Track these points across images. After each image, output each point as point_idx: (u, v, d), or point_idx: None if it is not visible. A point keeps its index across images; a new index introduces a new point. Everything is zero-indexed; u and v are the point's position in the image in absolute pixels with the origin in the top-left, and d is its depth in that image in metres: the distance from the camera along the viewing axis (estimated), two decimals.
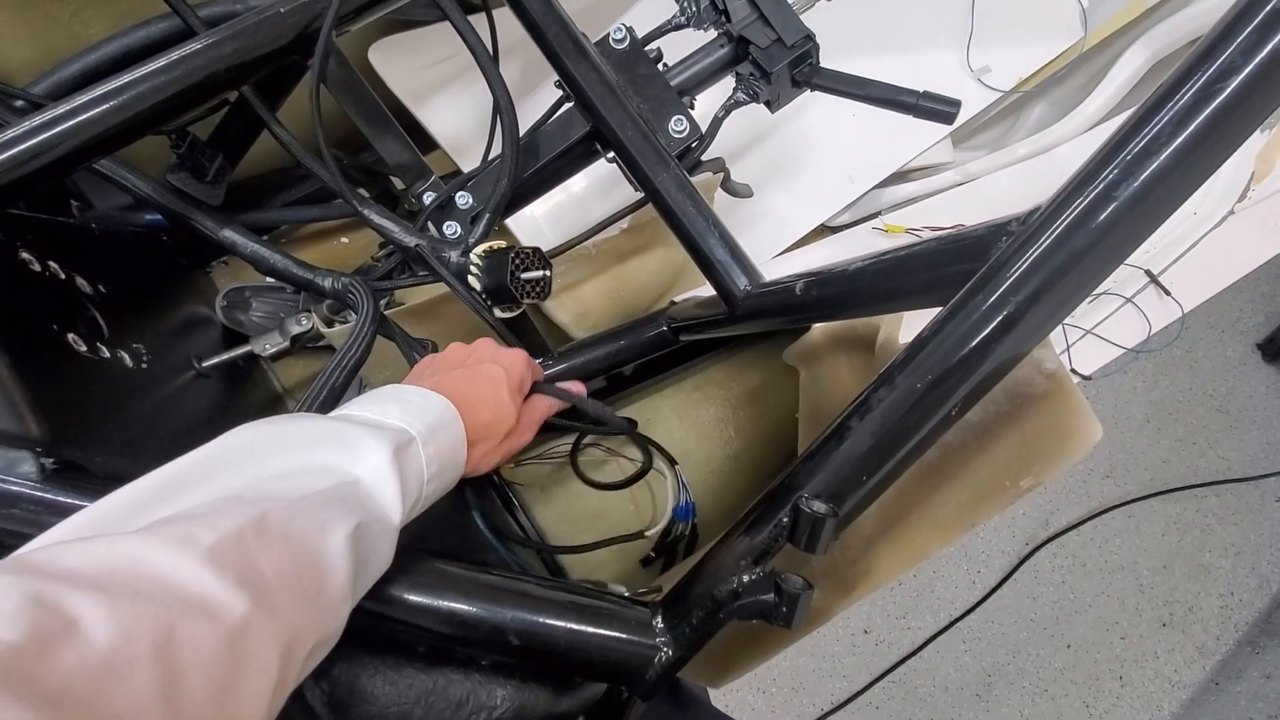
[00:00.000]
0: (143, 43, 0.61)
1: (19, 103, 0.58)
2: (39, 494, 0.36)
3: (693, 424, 0.93)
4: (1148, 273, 0.83)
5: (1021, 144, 0.97)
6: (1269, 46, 0.26)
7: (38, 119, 0.47)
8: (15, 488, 0.36)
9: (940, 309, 0.32)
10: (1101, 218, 0.27)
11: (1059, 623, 1.49)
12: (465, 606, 0.35)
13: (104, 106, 0.49)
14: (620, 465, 0.86)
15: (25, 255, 0.51)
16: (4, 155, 0.45)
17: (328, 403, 0.45)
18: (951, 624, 1.46)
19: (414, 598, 0.35)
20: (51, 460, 0.37)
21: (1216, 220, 0.84)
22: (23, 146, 0.45)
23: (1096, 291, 0.84)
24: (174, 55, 0.51)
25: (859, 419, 0.32)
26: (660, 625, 0.36)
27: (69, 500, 0.36)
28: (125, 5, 0.62)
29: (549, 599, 0.36)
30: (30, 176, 0.47)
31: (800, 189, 0.96)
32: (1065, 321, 0.83)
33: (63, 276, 0.54)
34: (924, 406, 0.30)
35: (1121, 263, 0.28)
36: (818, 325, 0.64)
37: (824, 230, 1.02)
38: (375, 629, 0.36)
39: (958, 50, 0.95)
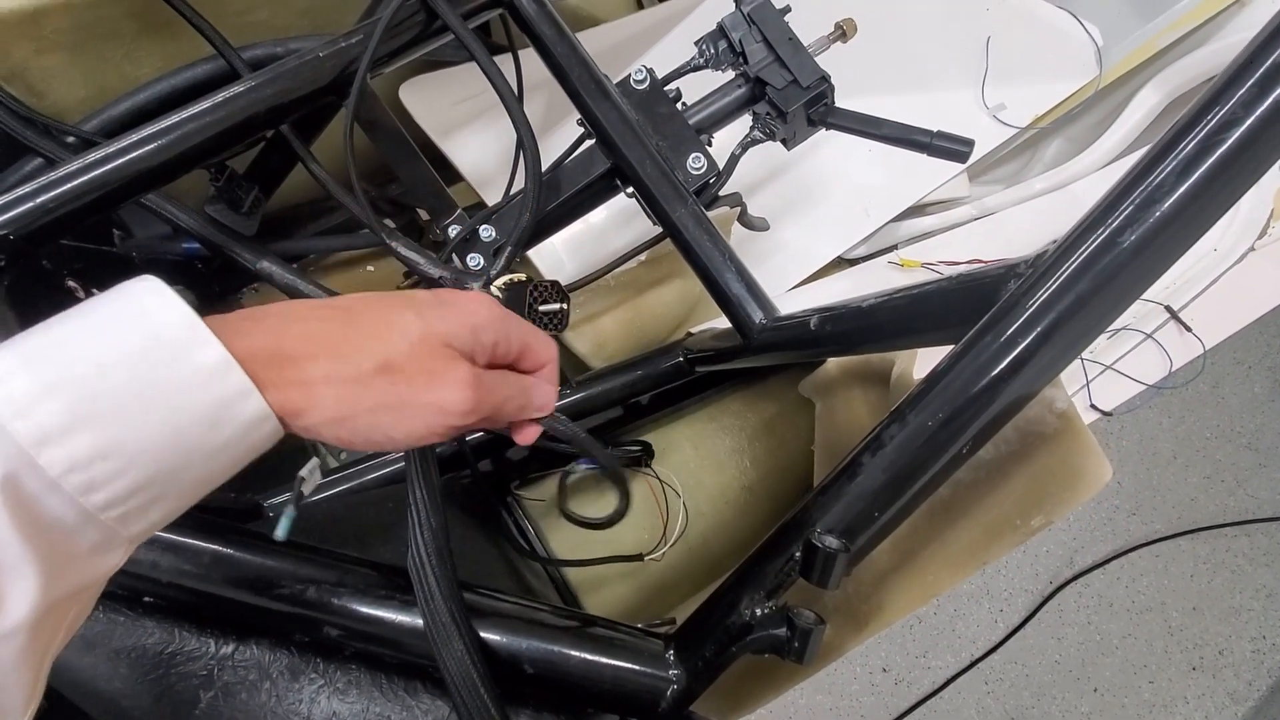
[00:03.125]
0: (189, 83, 0.65)
1: (71, 139, 0.62)
2: None
3: (708, 454, 0.93)
4: (1168, 309, 0.82)
5: (1038, 179, 0.98)
6: (1269, 100, 0.26)
7: (90, 157, 0.50)
8: None
9: (952, 347, 0.32)
10: (1106, 262, 0.28)
11: (1085, 665, 1.45)
12: (484, 634, 0.36)
13: (153, 145, 0.52)
14: (640, 489, 0.86)
15: (71, 283, 0.54)
16: (59, 190, 0.48)
17: None
18: (973, 664, 1.43)
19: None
20: None
21: (1237, 257, 0.83)
22: (77, 182, 0.48)
23: (1116, 327, 0.84)
24: (219, 97, 0.54)
25: (871, 455, 0.32)
26: (672, 657, 0.36)
27: None
28: (174, 47, 0.65)
29: (563, 628, 0.37)
30: (82, 210, 0.49)
31: (817, 222, 0.98)
32: (1085, 357, 0.83)
33: None
34: (935, 444, 0.31)
35: (1128, 307, 0.29)
36: (833, 359, 0.65)
37: (841, 263, 1.03)
38: (396, 654, 0.36)
39: (973, 88, 0.97)
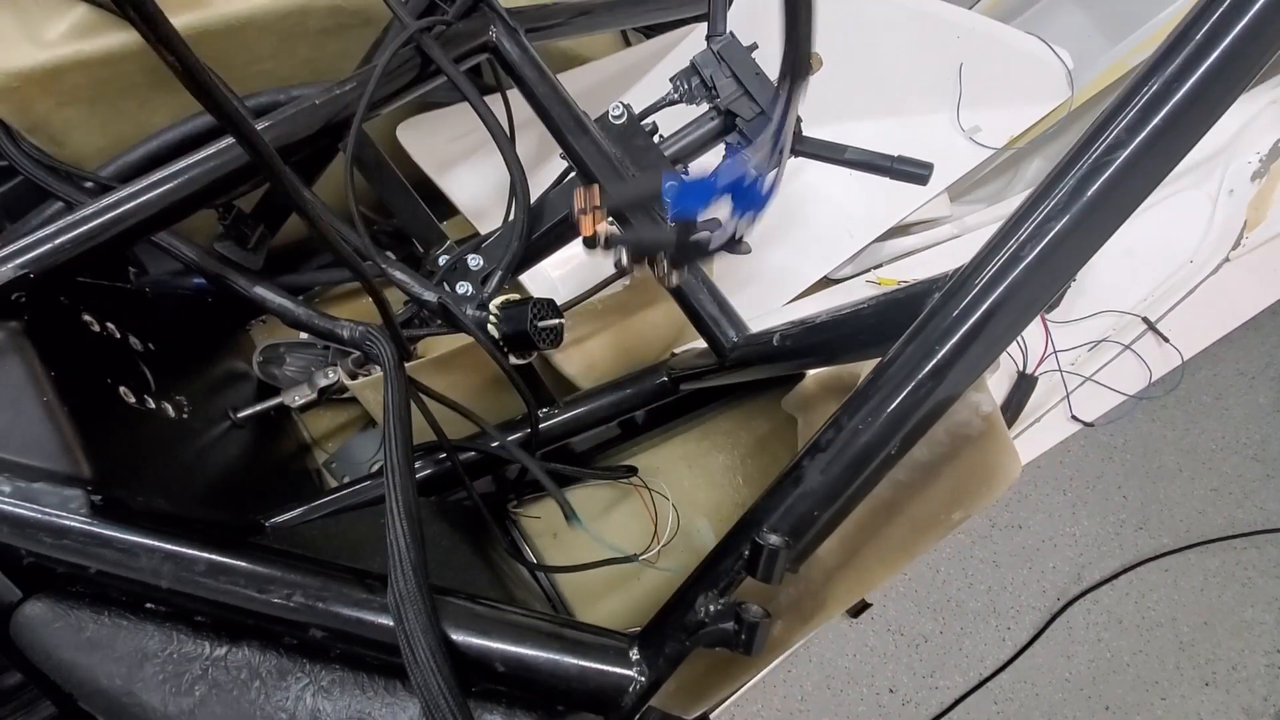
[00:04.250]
0: (198, 130, 0.69)
1: (89, 184, 0.66)
2: (87, 527, 0.41)
3: (702, 472, 0.95)
4: (1145, 320, 0.84)
5: (1017, 198, 1.01)
6: (1150, 125, 0.29)
7: (106, 200, 0.54)
8: (68, 521, 0.40)
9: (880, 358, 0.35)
10: (1012, 277, 0.30)
11: (1096, 683, 1.43)
12: (457, 635, 0.38)
13: (162, 189, 0.56)
14: (631, 504, 0.88)
15: (87, 317, 0.58)
16: (77, 231, 0.52)
17: (403, 458, 0.45)
18: (981, 683, 1.42)
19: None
20: (100, 497, 0.41)
21: (1212, 268, 0.85)
22: (93, 224, 0.52)
23: (1094, 338, 0.85)
24: (222, 144, 0.58)
25: (810, 458, 0.35)
26: (636, 655, 0.38)
27: (113, 533, 0.40)
28: (185, 98, 0.70)
29: (533, 628, 0.39)
30: (98, 249, 0.53)
31: (802, 244, 1.01)
32: (1065, 369, 0.85)
33: (118, 336, 0.61)
34: (867, 446, 0.33)
35: (1034, 316, 0.31)
36: (811, 374, 0.67)
37: (828, 282, 1.05)
38: (377, 655, 0.39)
39: (949, 111, 1.00)
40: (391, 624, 0.38)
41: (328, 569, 0.40)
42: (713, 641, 0.35)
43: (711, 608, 0.36)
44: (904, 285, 0.36)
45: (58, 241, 0.50)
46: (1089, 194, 0.30)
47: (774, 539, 0.33)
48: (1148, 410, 1.64)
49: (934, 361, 0.32)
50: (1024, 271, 0.31)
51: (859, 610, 1.39)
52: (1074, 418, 0.81)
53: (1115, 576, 1.49)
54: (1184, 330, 0.84)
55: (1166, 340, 0.83)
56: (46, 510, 0.39)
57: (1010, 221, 0.32)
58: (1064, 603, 1.47)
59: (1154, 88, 0.29)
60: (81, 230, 0.52)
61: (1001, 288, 0.31)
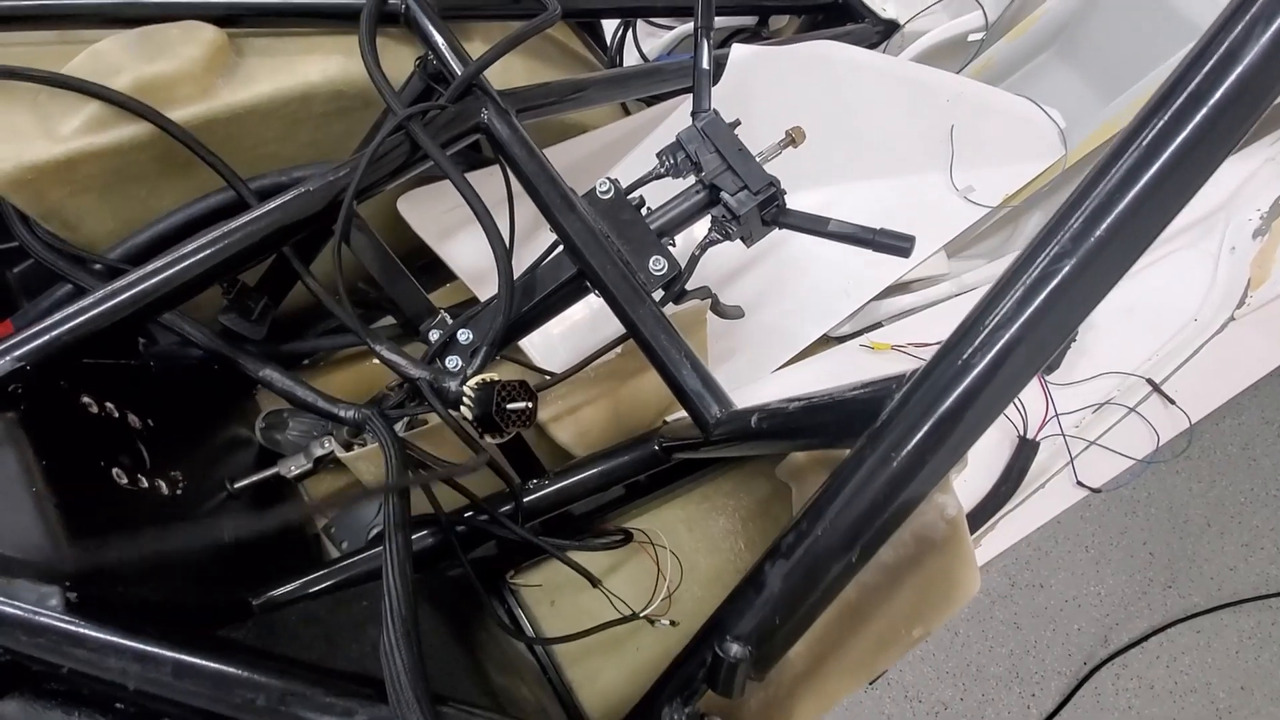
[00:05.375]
0: (204, 212, 0.72)
1: (97, 266, 0.69)
2: (61, 625, 0.41)
3: (703, 536, 0.94)
4: (1149, 381, 0.82)
5: (1015, 255, 1.00)
6: (1095, 235, 0.29)
7: (117, 284, 0.56)
8: (44, 619, 0.41)
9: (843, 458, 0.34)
10: (963, 386, 0.30)
11: None
12: None
13: (172, 270, 0.58)
14: (631, 566, 0.87)
15: (86, 399, 0.59)
16: (77, 321, 0.54)
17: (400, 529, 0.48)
18: None
19: None
20: (76, 595, 0.42)
21: (1217, 327, 0.84)
22: (94, 312, 0.54)
23: (1098, 401, 0.84)
24: (226, 228, 0.60)
25: (771, 564, 0.34)
26: None
27: (85, 631, 0.41)
28: (193, 181, 0.73)
29: None
30: (101, 334, 0.55)
31: (798, 305, 1.01)
32: (1068, 434, 0.83)
33: (116, 415, 0.62)
34: (827, 553, 0.33)
35: (988, 424, 0.31)
36: None
37: (828, 341, 1.05)
38: None
39: (943, 171, 1.01)
40: None
41: (299, 672, 0.40)
42: None
43: (675, 718, 0.35)
44: (867, 383, 0.36)
45: (57, 332, 0.52)
46: (1035, 304, 0.30)
47: (735, 649, 0.33)
48: (1170, 462, 1.59)
49: (892, 467, 0.32)
50: (976, 380, 0.30)
51: (874, 676, 1.33)
52: (1080, 484, 0.79)
53: (1145, 639, 1.42)
54: (1191, 392, 0.82)
55: (1173, 402, 0.81)
56: (23, 607, 0.40)
57: (963, 327, 0.32)
58: (1091, 667, 1.40)
59: (1097, 199, 0.29)
60: (81, 320, 0.54)
61: (954, 397, 0.31)
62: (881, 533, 0.32)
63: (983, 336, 0.30)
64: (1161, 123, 0.28)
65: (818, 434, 0.41)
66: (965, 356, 0.31)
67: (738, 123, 0.69)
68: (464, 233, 0.94)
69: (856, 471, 0.33)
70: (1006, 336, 0.30)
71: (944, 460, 0.31)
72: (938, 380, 0.31)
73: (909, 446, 0.31)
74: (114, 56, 0.66)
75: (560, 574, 0.87)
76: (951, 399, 0.31)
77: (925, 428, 0.31)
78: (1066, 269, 0.29)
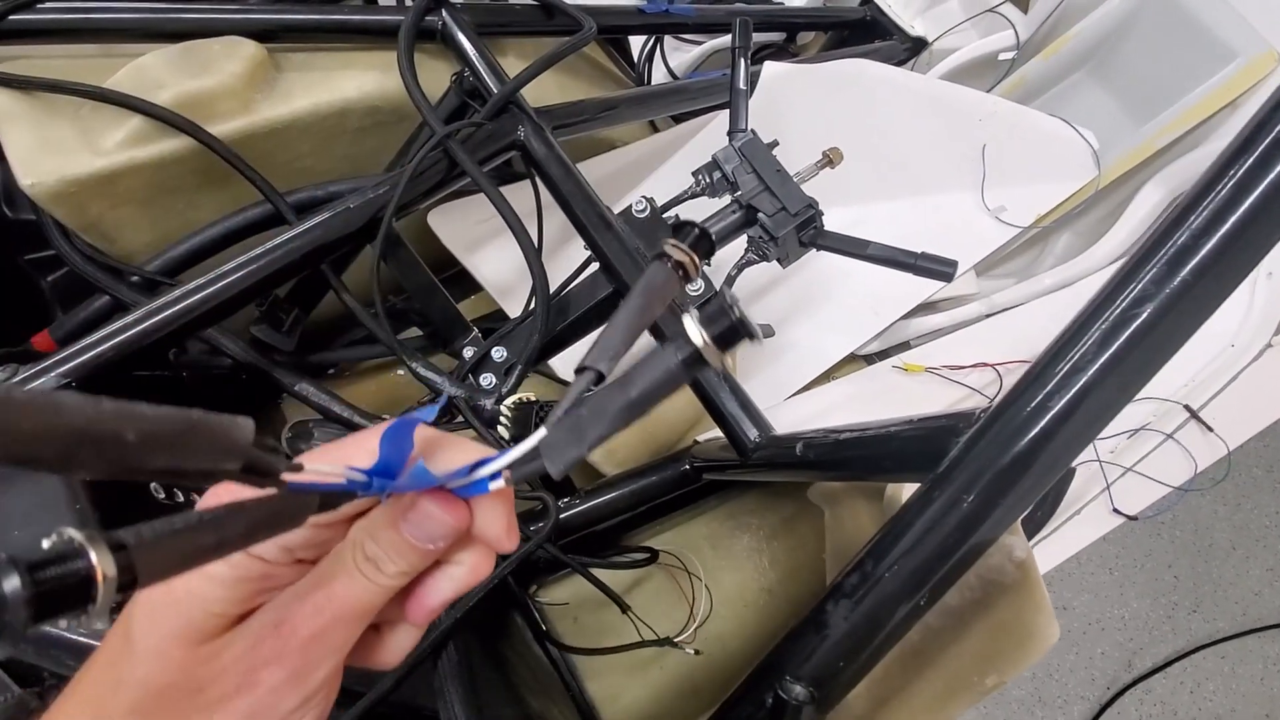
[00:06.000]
0: (241, 225, 0.73)
1: (134, 278, 0.69)
2: None
3: (726, 553, 0.93)
4: (1187, 408, 0.81)
5: (1047, 274, 0.99)
6: (1178, 278, 0.29)
7: (161, 300, 0.56)
8: (87, 641, 0.41)
9: (907, 498, 0.34)
10: (1038, 429, 0.30)
11: None
12: None
13: (216, 286, 0.58)
14: (655, 584, 0.86)
15: None
16: (132, 332, 0.54)
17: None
18: None
19: None
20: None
21: (1255, 353, 0.82)
22: (135, 330, 0.54)
23: (1133, 426, 0.82)
24: (268, 245, 0.61)
25: (834, 604, 0.33)
26: None
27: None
28: (229, 194, 0.74)
29: None
30: (150, 347, 0.55)
31: (826, 322, 1.00)
32: (1104, 460, 0.82)
33: None
34: (894, 594, 0.32)
35: (1065, 468, 0.30)
36: None
37: (855, 359, 1.04)
38: None
39: (974, 190, 1.00)
40: None
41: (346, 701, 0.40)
42: None
43: None
44: (926, 418, 0.35)
45: (102, 348, 0.52)
46: (1115, 346, 0.29)
47: (799, 690, 0.32)
48: (1169, 500, 1.58)
49: (963, 509, 0.31)
50: (1051, 421, 0.30)
51: None
52: (1116, 510, 0.78)
53: (1169, 664, 1.40)
54: (1228, 418, 0.80)
55: (1210, 429, 0.80)
56: (70, 631, 0.40)
57: (1040, 364, 0.31)
58: (1114, 692, 1.38)
59: (1181, 239, 0.29)
60: (126, 336, 0.54)
61: (1029, 437, 0.30)
62: (950, 575, 0.31)
63: (1058, 378, 0.30)
64: (1250, 162, 0.28)
65: (871, 468, 0.40)
66: (1040, 399, 0.30)
67: (775, 143, 0.69)
68: (491, 247, 0.94)
69: (924, 512, 0.32)
70: (1084, 380, 0.29)
71: (1016, 504, 0.30)
72: (1011, 421, 0.31)
73: (980, 488, 0.30)
74: (157, 71, 0.66)
75: (583, 589, 0.86)
76: (1025, 441, 0.30)
77: (998, 470, 0.30)
78: (1147, 312, 0.29)
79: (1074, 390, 0.29)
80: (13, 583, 0.13)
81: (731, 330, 0.24)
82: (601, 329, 0.26)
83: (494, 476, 0.22)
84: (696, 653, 0.82)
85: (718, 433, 0.81)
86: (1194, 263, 0.28)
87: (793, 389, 0.98)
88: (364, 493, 0.21)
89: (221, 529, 0.18)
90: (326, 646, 0.22)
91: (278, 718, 0.21)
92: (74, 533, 0.15)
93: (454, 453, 0.23)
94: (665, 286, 0.29)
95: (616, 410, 0.21)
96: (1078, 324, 0.31)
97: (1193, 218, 0.29)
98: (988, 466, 0.30)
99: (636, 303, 0.26)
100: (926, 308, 1.03)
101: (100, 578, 0.15)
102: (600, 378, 0.22)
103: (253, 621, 0.22)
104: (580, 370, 0.23)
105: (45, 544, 0.15)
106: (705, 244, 0.30)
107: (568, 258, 0.93)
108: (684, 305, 0.65)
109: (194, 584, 0.22)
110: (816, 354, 1.00)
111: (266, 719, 0.21)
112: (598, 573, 0.84)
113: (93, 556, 0.15)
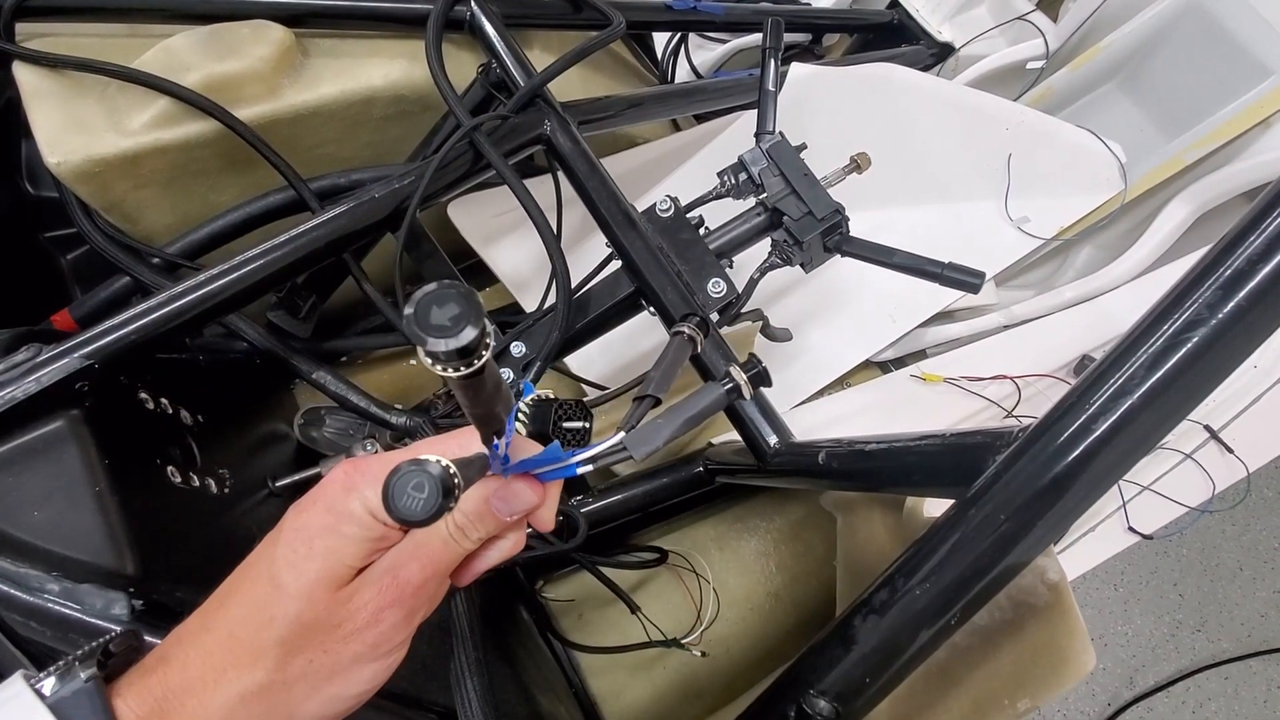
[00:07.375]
0: (262, 210, 0.72)
1: (155, 260, 0.69)
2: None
3: (733, 555, 0.92)
4: (1207, 428, 0.80)
5: (1068, 288, 0.98)
6: (1232, 303, 0.28)
7: (186, 284, 0.56)
8: (108, 626, 0.41)
9: (939, 516, 0.33)
10: (1079, 450, 0.29)
11: None
12: None
13: (241, 272, 0.58)
14: (662, 584, 0.86)
15: (143, 395, 0.59)
16: (156, 315, 0.54)
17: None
18: None
19: None
20: (140, 602, 0.42)
21: (1278, 375, 0.81)
22: (171, 308, 0.54)
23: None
24: (293, 233, 0.60)
25: (862, 618, 0.33)
26: None
27: (151, 640, 0.40)
28: (252, 178, 0.73)
29: None
30: (173, 331, 0.55)
31: (842, 328, 1.00)
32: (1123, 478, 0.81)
33: (170, 411, 0.62)
34: (924, 612, 0.32)
35: (1106, 491, 0.30)
36: None
37: (870, 364, 1.04)
38: None
39: (998, 200, 0.99)
40: None
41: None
42: None
43: None
44: (958, 434, 0.35)
45: (125, 330, 0.52)
46: (1165, 369, 0.28)
47: (823, 705, 0.32)
48: (1186, 520, 1.57)
49: (999, 529, 0.30)
50: (1094, 443, 0.29)
51: None
52: (1131, 529, 0.77)
53: (1171, 683, 1.39)
54: (1249, 440, 0.79)
55: (1230, 450, 0.79)
56: (89, 616, 0.40)
57: (1076, 391, 0.30)
58: (1115, 709, 1.37)
59: (1236, 263, 0.28)
60: (150, 319, 0.54)
61: (1069, 460, 0.29)
62: (982, 595, 0.31)
63: (1103, 400, 0.29)
64: None
65: (898, 480, 0.40)
66: (1083, 420, 0.30)
67: (803, 146, 0.68)
68: (509, 240, 0.94)
69: (957, 529, 0.32)
70: (1129, 403, 0.29)
71: (1054, 526, 0.30)
72: (1052, 441, 0.30)
73: (1017, 509, 0.30)
74: (185, 53, 0.66)
75: (589, 586, 0.86)
76: (1066, 463, 0.29)
77: (1036, 490, 0.30)
78: (1198, 337, 0.28)
79: (1119, 413, 0.29)
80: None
81: (762, 376, 0.34)
82: (661, 410, 0.34)
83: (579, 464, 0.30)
84: (703, 655, 0.82)
85: (733, 435, 0.81)
86: (1249, 288, 0.28)
87: (807, 393, 0.97)
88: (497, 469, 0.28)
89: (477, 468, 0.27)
90: (427, 594, 0.29)
91: (390, 647, 0.28)
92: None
93: (526, 444, 0.30)
94: (718, 404, 0.35)
95: (680, 423, 0.31)
96: (1125, 345, 0.30)
97: (1250, 241, 0.28)
98: (1026, 487, 0.30)
99: (692, 414, 0.33)
100: (944, 317, 1.02)
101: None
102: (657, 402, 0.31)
103: (372, 572, 0.28)
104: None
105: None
106: (763, 380, 0.33)
107: (583, 256, 0.93)
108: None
109: (332, 542, 0.27)
110: (832, 359, 0.99)
111: (384, 648, 0.28)
112: (607, 572, 0.84)
113: None
